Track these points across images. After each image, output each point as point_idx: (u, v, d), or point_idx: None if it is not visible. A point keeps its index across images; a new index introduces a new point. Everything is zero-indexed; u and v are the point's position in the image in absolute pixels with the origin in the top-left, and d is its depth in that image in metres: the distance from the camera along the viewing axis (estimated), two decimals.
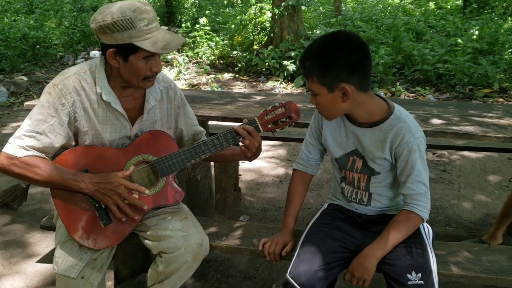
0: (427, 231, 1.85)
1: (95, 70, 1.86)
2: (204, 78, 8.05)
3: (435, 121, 2.42)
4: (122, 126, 1.92)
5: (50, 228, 2.23)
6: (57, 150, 1.83)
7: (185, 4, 13.74)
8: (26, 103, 2.73)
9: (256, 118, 1.98)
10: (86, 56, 9.99)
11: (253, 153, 1.99)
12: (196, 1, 13.22)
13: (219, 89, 7.39)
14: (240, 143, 1.96)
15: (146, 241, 1.95)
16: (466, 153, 4.49)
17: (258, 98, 2.96)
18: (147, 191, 1.84)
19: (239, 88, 7.57)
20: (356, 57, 1.65)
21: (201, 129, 2.21)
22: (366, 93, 1.72)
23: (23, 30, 9.39)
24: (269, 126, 1.98)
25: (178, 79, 7.89)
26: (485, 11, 11.39)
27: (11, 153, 1.75)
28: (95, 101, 1.86)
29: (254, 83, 7.83)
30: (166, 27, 12.60)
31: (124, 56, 1.76)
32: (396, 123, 1.74)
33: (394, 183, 1.84)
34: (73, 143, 1.89)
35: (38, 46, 9.38)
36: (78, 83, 1.83)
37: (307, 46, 1.76)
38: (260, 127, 1.97)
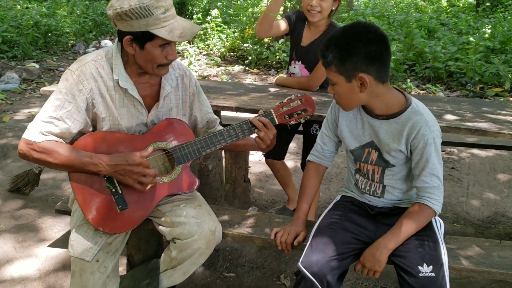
0: (439, 225, 1.86)
1: (112, 57, 1.88)
2: (214, 70, 8.06)
3: (449, 116, 2.42)
4: (138, 112, 1.94)
5: (65, 212, 2.26)
6: (74, 135, 1.86)
7: None
8: (42, 88, 2.76)
9: (272, 110, 2.00)
10: (98, 45, 10.02)
11: (267, 145, 2.01)
12: None
13: (229, 81, 7.40)
14: (255, 134, 1.98)
15: (160, 227, 1.97)
16: (475, 151, 4.48)
17: (272, 90, 2.98)
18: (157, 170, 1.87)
19: (249, 80, 7.57)
20: (376, 47, 1.67)
21: (215, 117, 2.23)
22: (384, 85, 1.74)
23: (35, 17, 9.43)
24: (285, 118, 2.00)
25: None
26: (498, 10, 11.30)
27: (30, 139, 1.78)
28: (112, 88, 1.88)
29: (264, 76, 7.83)
30: None
31: (140, 43, 1.78)
32: (413, 116, 1.75)
33: (408, 176, 1.85)
34: (91, 129, 1.91)
35: (50, 34, 9.43)
36: (95, 69, 1.85)
37: (327, 37, 1.77)
38: (275, 119, 1.99)
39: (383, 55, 1.70)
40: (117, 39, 1.90)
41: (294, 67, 2.92)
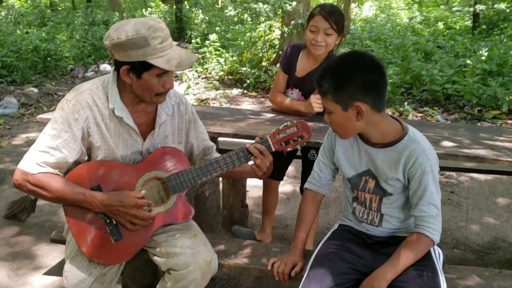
0: (438, 254, 1.83)
1: (108, 86, 1.89)
2: (212, 93, 8.09)
3: (446, 143, 2.41)
4: (133, 141, 1.94)
5: (60, 241, 2.24)
6: (70, 165, 1.85)
7: (195, 20, 13.88)
8: (38, 116, 2.76)
9: (268, 136, 1.99)
10: (96, 69, 10.09)
11: (263, 172, 2.00)
12: (206, 18, 13.34)
13: (228, 104, 7.43)
14: (251, 162, 1.97)
15: (155, 257, 1.95)
16: (474, 174, 4.46)
17: (269, 115, 2.98)
18: (154, 212, 1.86)
19: (247, 103, 7.60)
20: (372, 76, 1.67)
21: (212, 143, 2.22)
22: (381, 113, 1.74)
23: (35, 42, 9.50)
24: (281, 145, 1.99)
25: (187, 94, 7.94)
26: (494, 33, 11.40)
27: (25, 169, 1.77)
28: (108, 116, 1.88)
29: (262, 99, 7.86)
30: (176, 43, 12.74)
31: (138, 73, 1.78)
32: (410, 144, 1.74)
33: (406, 204, 1.84)
34: (86, 158, 1.90)
35: (49, 58, 9.49)
36: (91, 98, 1.86)
37: (323, 66, 1.78)
38: (272, 146, 1.98)
39: (379, 84, 1.70)
40: (113, 68, 1.90)
41: (292, 93, 2.92)
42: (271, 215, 3.06)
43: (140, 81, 1.80)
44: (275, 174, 2.91)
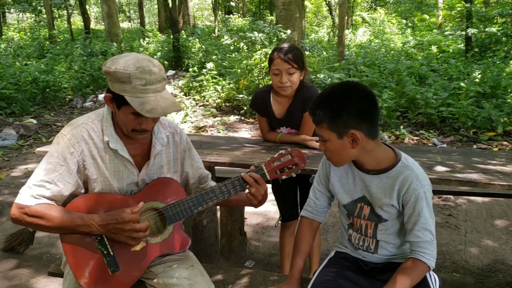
0: (434, 279, 1.84)
1: (103, 119, 1.92)
2: (210, 121, 8.16)
3: (439, 168, 2.44)
4: (129, 172, 1.96)
5: (58, 274, 2.24)
6: (66, 198, 1.86)
7: (192, 49, 14.06)
8: (37, 149, 2.79)
9: (263, 165, 2.02)
10: (95, 99, 10.18)
11: (258, 201, 2.01)
12: (203, 47, 13.52)
13: (225, 131, 7.47)
14: (247, 190, 1.99)
15: None
16: (472, 197, 4.48)
17: (265, 144, 3.01)
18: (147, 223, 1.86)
19: (245, 130, 7.65)
20: (366, 105, 1.71)
21: (207, 172, 2.24)
22: (374, 141, 1.77)
23: (33, 74, 9.63)
24: (276, 173, 2.02)
25: (185, 122, 8.00)
26: (487, 55, 11.57)
27: (22, 203, 1.79)
28: (103, 149, 1.91)
29: None
30: (174, 71, 12.85)
31: (118, 104, 1.82)
32: (403, 171, 1.77)
33: (401, 230, 1.85)
34: (82, 191, 1.92)
35: (48, 90, 9.60)
36: (86, 132, 1.89)
37: (316, 96, 1.82)
38: (267, 174, 2.00)
39: (373, 113, 1.74)
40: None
41: (281, 131, 2.99)
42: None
43: (119, 112, 1.85)
44: (291, 214, 2.94)
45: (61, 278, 2.91)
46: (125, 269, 1.86)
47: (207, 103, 9.35)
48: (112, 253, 1.84)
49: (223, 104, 9.36)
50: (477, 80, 8.26)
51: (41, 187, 1.80)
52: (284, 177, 2.05)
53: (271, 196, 4.55)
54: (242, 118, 8.40)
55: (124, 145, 1.92)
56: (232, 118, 8.39)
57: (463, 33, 12.89)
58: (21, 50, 15.06)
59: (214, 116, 8.51)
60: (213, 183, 2.22)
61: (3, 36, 20.33)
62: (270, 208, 4.39)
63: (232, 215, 3.33)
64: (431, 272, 1.83)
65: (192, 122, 7.98)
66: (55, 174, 1.82)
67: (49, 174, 1.82)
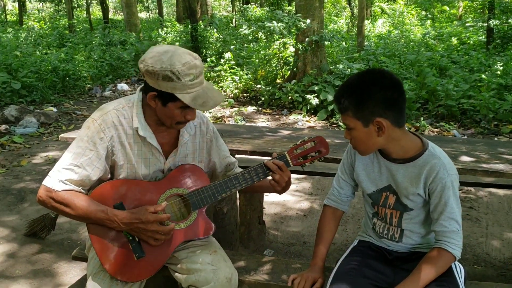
0: (459, 270, 1.82)
1: (133, 106, 1.93)
2: (228, 111, 8.16)
3: (464, 158, 2.41)
4: (156, 160, 1.97)
5: (82, 259, 2.27)
6: (93, 183, 1.88)
7: (210, 39, 14.06)
8: (61, 135, 2.82)
9: (285, 152, 2.01)
10: (114, 88, 10.25)
11: (282, 187, 2.01)
12: (221, 37, 13.51)
13: (243, 122, 7.47)
14: (270, 177, 1.99)
15: (176, 274, 1.96)
16: (493, 189, 4.42)
17: (286, 132, 3.00)
18: (172, 225, 1.88)
19: (262, 120, 7.64)
20: (392, 93, 1.69)
21: (233, 159, 2.25)
22: (401, 129, 1.75)
23: (54, 63, 9.73)
24: (299, 160, 2.00)
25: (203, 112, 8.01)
26: (509, 47, 11.36)
27: (50, 186, 1.81)
28: (132, 136, 1.92)
29: (277, 116, 7.90)
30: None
31: (164, 101, 1.82)
32: (430, 160, 1.75)
33: (427, 220, 1.84)
34: (109, 176, 1.94)
35: (67, 78, 9.69)
36: (116, 118, 1.89)
37: (342, 83, 1.80)
38: (290, 161, 2.00)
39: (399, 100, 1.71)
40: (139, 88, 1.95)
41: None
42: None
43: (164, 108, 1.84)
44: None
45: (82, 263, 2.96)
46: (150, 255, 1.88)
47: (225, 93, 9.35)
48: (137, 239, 1.86)
49: (241, 94, 9.35)
50: (499, 72, 8.11)
51: (69, 170, 1.82)
52: (307, 164, 2.04)
53: (291, 186, 4.58)
54: (260, 108, 8.39)
55: (152, 133, 1.93)
56: (250, 108, 8.38)
57: (485, 24, 12.65)
58: (41, 39, 15.22)
59: (232, 107, 8.51)
60: (239, 170, 2.22)
61: (23, 26, 20.56)
62: (289, 198, 4.38)
63: (251, 204, 3.33)
64: (457, 263, 1.81)
65: (210, 113, 7.99)
66: (84, 158, 1.83)
67: (78, 158, 1.83)
